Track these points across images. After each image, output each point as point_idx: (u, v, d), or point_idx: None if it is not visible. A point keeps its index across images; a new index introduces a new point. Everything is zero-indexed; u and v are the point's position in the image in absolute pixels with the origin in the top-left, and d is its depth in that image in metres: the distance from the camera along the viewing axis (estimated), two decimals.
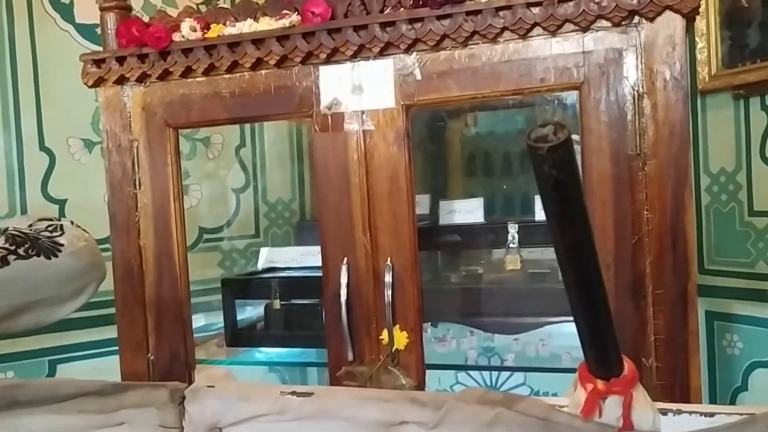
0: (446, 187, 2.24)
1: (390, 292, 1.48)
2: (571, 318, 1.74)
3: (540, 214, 1.83)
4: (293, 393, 0.78)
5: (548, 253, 1.95)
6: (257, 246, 2.58)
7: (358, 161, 1.50)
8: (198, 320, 1.81)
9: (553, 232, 0.62)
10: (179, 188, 1.65)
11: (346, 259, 1.52)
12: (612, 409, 0.69)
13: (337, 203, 1.53)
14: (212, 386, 0.80)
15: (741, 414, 0.66)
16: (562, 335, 1.83)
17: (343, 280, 1.51)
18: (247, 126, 2.59)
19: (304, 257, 2.05)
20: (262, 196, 2.63)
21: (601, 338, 0.68)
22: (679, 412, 0.69)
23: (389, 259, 1.49)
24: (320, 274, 1.57)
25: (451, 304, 1.87)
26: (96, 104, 2.33)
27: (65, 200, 2.35)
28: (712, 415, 0.68)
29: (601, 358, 0.69)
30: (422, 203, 1.92)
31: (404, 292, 1.49)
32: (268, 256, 2.15)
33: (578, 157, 1.41)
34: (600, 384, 0.69)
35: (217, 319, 2.17)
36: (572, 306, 0.67)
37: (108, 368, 1.93)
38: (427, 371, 1.54)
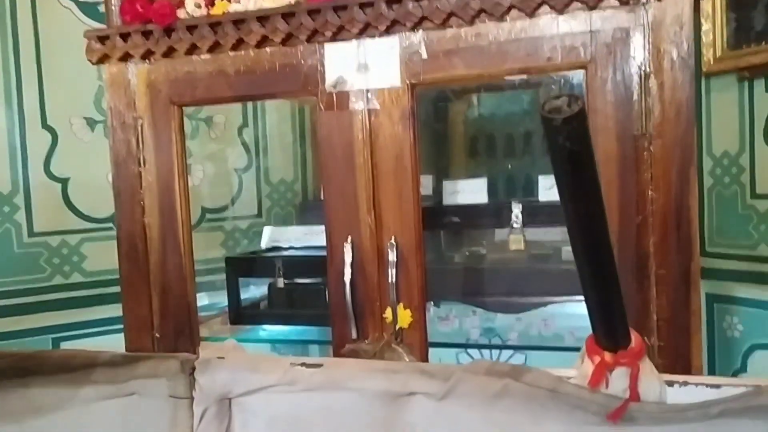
0: (449, 168, 2.24)
1: (394, 271, 1.49)
2: (574, 298, 1.75)
3: (544, 195, 1.84)
4: (303, 364, 0.79)
5: (551, 234, 1.96)
6: (260, 226, 2.56)
7: (363, 140, 1.50)
8: (201, 299, 1.82)
9: (565, 203, 0.62)
10: (184, 166, 1.65)
11: (350, 237, 1.52)
12: (619, 380, 0.70)
13: (341, 182, 1.53)
14: (222, 357, 0.81)
15: (747, 386, 0.67)
16: (565, 315, 1.84)
17: (348, 258, 1.52)
18: (250, 106, 2.57)
19: (308, 237, 2.05)
20: (265, 177, 2.63)
21: (610, 310, 0.69)
22: (685, 383, 0.70)
23: (393, 237, 1.50)
24: (324, 254, 1.58)
25: (454, 283, 1.88)
26: (99, 82, 2.33)
27: (68, 179, 2.35)
28: (718, 386, 0.69)
29: (609, 330, 0.70)
30: (425, 184, 1.92)
31: (408, 271, 1.50)
32: (271, 236, 2.15)
33: None
34: (607, 356, 0.70)
35: (220, 299, 2.18)
36: (581, 277, 0.68)
37: (112, 346, 1.93)
38: (430, 350, 1.55)
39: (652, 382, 0.70)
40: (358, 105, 1.50)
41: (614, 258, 0.67)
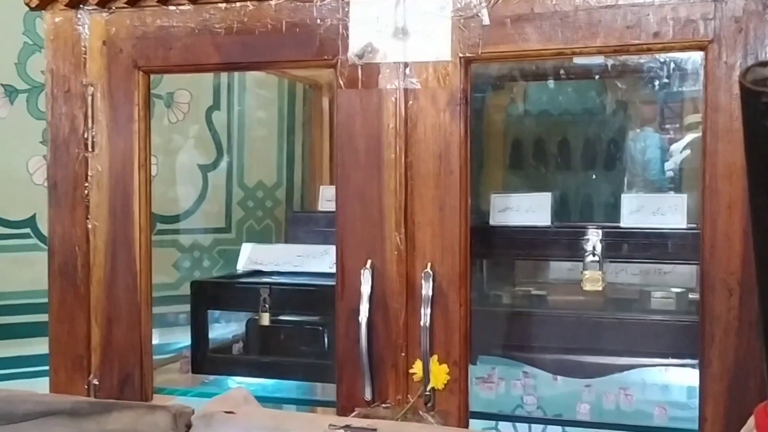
0: (499, 178, 2.24)
1: (429, 311, 1.46)
2: (668, 360, 1.71)
3: (628, 219, 1.83)
4: (347, 427, 0.75)
5: (630, 274, 1.94)
6: (227, 243, 2.57)
7: (395, 131, 1.48)
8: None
9: (758, 209, 0.58)
10: (147, 153, 1.64)
11: (370, 262, 1.50)
12: None
13: (362, 186, 1.51)
14: (231, 412, 0.77)
15: None
16: (654, 384, 1.81)
17: (365, 290, 1.49)
18: (224, 81, 2.57)
19: (302, 259, 2.02)
20: (238, 178, 2.63)
21: None
22: None
23: (429, 265, 1.47)
24: (328, 283, 1.57)
25: (499, 332, 1.86)
26: (24, 38, 2.32)
27: None
28: None
29: None
30: None
31: (448, 312, 1.47)
32: (251, 255, 2.12)
33: (700, 143, 1.40)
34: None
35: (173, 338, 2.17)
36: (765, 320, 0.64)
37: None
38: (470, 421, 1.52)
39: None
40: (391, 83, 1.48)
41: None
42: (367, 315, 1.48)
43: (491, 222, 1.97)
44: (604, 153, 2.20)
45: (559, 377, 1.88)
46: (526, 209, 1.91)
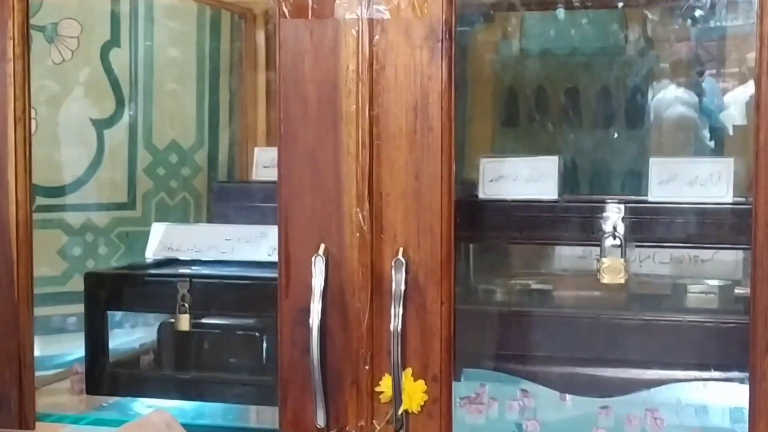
0: (489, 138, 2.24)
1: (400, 311, 1.47)
2: (708, 374, 1.74)
3: (657, 191, 1.84)
4: None
5: (657, 265, 1.96)
6: (130, 223, 2.57)
7: (356, 75, 1.49)
8: None
9: None
10: (26, 103, 1.65)
11: (323, 247, 1.51)
12: None
13: (313, 147, 1.52)
14: None
15: None
16: (689, 405, 1.84)
17: (317, 284, 1.50)
18: (124, 8, 2.58)
19: (232, 244, 2.02)
20: (145, 137, 2.63)
21: None
22: None
23: (401, 251, 1.48)
24: (269, 275, 1.61)
25: (490, 339, 1.88)
26: None
27: None
28: None
29: None
30: None
31: (425, 312, 1.49)
32: (164, 239, 2.12)
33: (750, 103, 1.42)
34: None
35: (60, 348, 2.18)
36: None
37: None
38: None
39: None
40: (351, 12, 1.49)
41: None
42: (319, 317, 1.49)
43: (481, 195, 1.99)
44: (626, 105, 2.21)
45: (568, 396, 1.90)
46: (526, 178, 1.93)
